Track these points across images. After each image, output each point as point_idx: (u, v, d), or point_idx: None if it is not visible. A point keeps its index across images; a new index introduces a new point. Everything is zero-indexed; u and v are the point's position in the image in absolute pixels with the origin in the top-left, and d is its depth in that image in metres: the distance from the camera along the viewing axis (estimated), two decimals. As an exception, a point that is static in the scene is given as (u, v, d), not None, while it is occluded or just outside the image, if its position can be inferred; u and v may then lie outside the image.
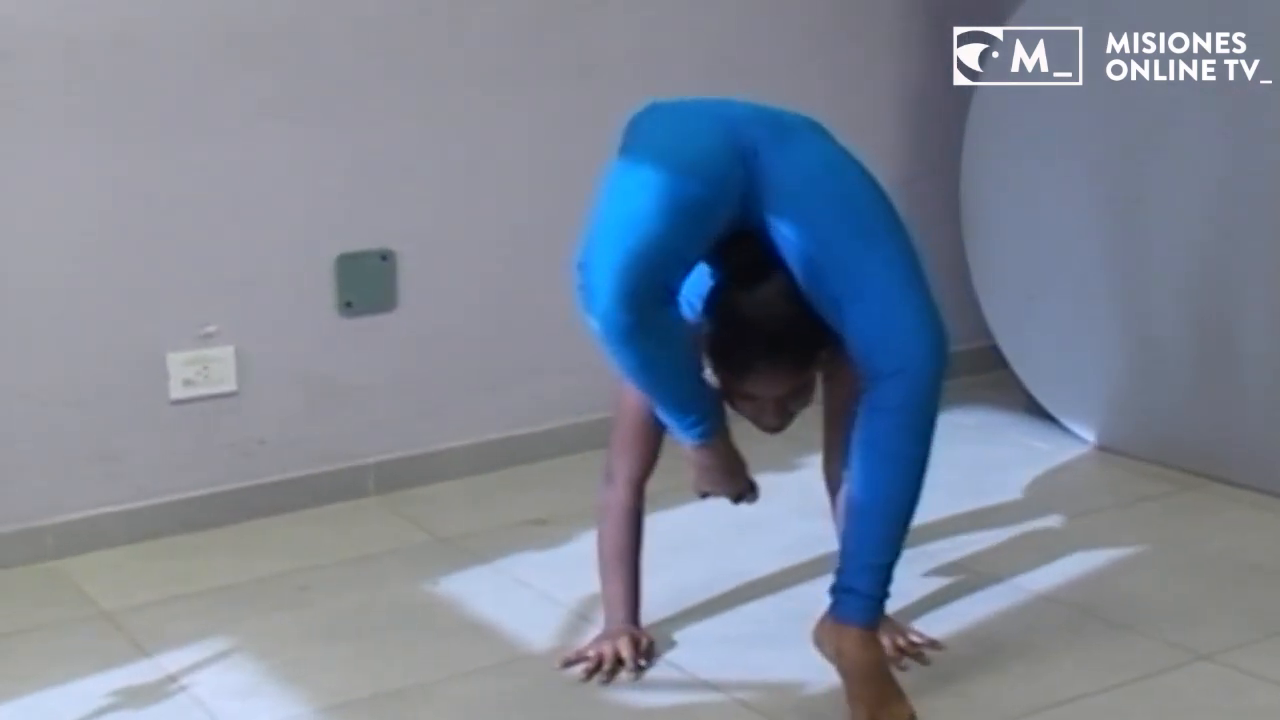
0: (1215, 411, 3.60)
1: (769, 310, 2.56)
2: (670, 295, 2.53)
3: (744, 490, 2.78)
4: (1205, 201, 3.53)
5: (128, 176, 3.38)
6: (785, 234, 2.53)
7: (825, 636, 2.61)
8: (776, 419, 2.63)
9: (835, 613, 2.57)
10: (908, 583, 2.96)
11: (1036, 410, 4.06)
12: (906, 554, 3.07)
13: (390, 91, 3.63)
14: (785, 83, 3.64)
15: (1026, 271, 4.00)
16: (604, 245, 2.50)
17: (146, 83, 3.37)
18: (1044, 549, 3.25)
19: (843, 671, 2.56)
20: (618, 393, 2.77)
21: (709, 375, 2.65)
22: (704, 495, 2.80)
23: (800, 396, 2.64)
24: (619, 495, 2.79)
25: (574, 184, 3.80)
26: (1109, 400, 3.86)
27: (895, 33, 4.29)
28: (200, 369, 3.49)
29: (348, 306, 3.64)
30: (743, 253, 2.58)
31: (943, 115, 4.28)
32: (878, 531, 2.57)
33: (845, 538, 2.61)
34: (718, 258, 2.61)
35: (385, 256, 3.67)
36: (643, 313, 2.48)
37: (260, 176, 3.51)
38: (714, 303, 2.61)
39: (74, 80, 3.30)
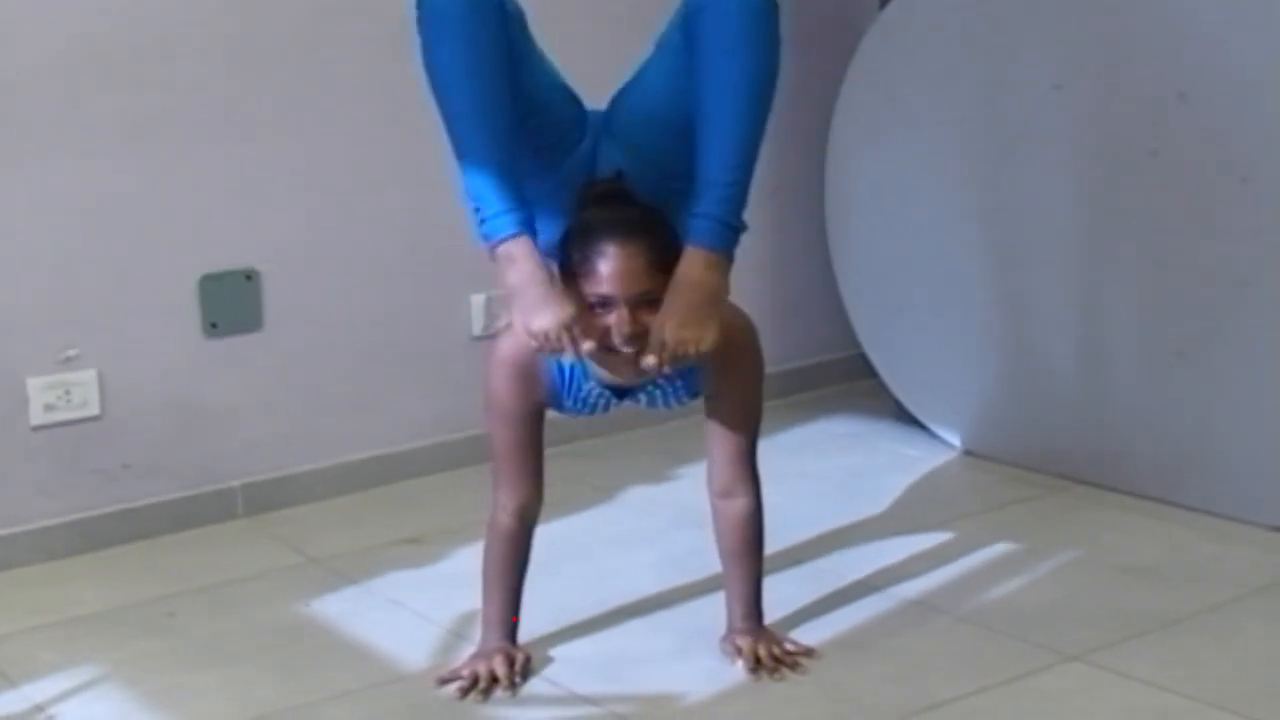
0: (1080, 416, 3.66)
1: (618, 210, 2.58)
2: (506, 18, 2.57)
3: (570, 322, 2.51)
4: (1071, 208, 3.58)
5: (-17, 199, 3.32)
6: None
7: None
8: (631, 327, 2.52)
9: (685, 238, 2.57)
10: (782, 592, 2.98)
11: (905, 418, 4.10)
12: (781, 565, 3.09)
13: (251, 110, 3.60)
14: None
15: (893, 280, 4.04)
16: None
17: (5, 104, 3.31)
18: (915, 555, 3.28)
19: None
20: (491, 425, 2.75)
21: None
22: (537, 344, 2.55)
23: (656, 310, 2.54)
24: (504, 521, 2.77)
25: (438, 202, 3.80)
26: (976, 406, 3.90)
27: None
28: (62, 393, 3.43)
29: (213, 327, 3.60)
30: (596, 186, 2.63)
31: (806, 126, 4.31)
32: (716, 146, 2.57)
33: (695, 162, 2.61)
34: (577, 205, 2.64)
35: (250, 276, 3.64)
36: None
37: (121, 196, 3.46)
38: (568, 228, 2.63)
39: (-74, 101, 3.24)
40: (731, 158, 2.57)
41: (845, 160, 4.09)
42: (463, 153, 2.58)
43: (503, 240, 2.55)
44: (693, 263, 2.55)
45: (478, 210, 2.57)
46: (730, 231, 2.58)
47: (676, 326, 2.53)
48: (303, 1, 3.64)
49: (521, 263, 2.55)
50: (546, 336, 2.53)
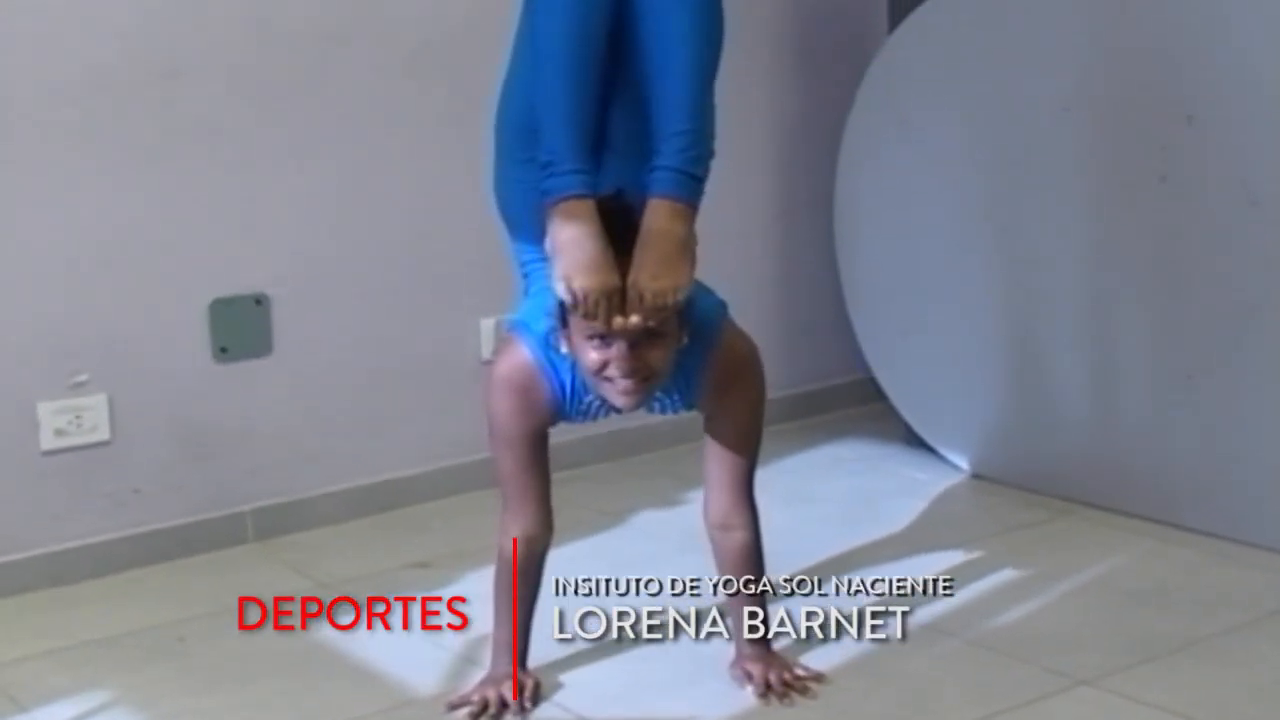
0: (1090, 440, 3.65)
1: (618, 236, 2.54)
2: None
3: (613, 293, 2.49)
4: (1080, 231, 3.58)
5: (-6, 224, 3.33)
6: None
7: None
8: (631, 364, 2.51)
9: (649, 190, 2.57)
10: (791, 616, 2.97)
11: (915, 441, 4.10)
12: (790, 589, 3.08)
13: (262, 135, 3.61)
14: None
15: (902, 303, 4.04)
16: None
17: (16, 130, 3.32)
18: (924, 579, 3.27)
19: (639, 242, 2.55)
20: (495, 449, 2.74)
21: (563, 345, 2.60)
22: (573, 302, 2.50)
23: (656, 346, 2.53)
24: (510, 548, 2.76)
25: (446, 227, 3.82)
26: (986, 430, 3.90)
27: (766, 67, 4.33)
28: (72, 418, 3.43)
29: (223, 352, 3.60)
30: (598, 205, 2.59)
31: (815, 149, 4.32)
32: (670, 98, 2.59)
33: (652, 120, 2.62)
34: None
35: (260, 301, 3.64)
36: None
37: (131, 221, 3.47)
38: None
39: (-62, 127, 3.25)
40: (687, 107, 2.59)
41: (854, 183, 4.09)
42: (548, 105, 2.59)
43: (566, 197, 2.55)
44: (658, 214, 2.55)
45: (549, 164, 2.58)
46: (692, 181, 2.58)
47: (650, 278, 2.50)
48: (312, 29, 3.65)
49: (581, 222, 2.53)
50: (586, 297, 2.50)
